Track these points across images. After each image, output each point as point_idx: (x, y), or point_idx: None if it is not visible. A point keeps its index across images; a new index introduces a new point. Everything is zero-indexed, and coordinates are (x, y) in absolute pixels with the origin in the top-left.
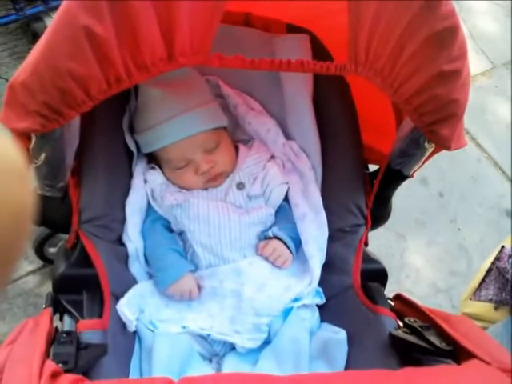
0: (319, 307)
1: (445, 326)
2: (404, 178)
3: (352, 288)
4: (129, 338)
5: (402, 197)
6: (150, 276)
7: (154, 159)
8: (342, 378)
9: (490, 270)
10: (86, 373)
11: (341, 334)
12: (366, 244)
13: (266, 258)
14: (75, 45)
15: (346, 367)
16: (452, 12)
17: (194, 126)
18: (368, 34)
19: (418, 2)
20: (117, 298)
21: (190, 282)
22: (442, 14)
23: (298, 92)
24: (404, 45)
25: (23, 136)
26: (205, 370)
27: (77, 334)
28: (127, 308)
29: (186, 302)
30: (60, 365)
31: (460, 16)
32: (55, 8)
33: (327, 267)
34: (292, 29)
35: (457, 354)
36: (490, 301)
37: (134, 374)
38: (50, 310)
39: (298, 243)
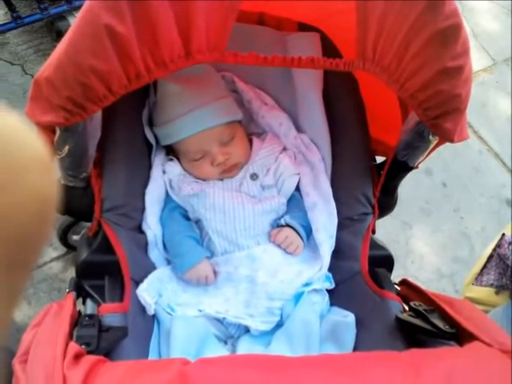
0: (329, 292)
1: (448, 309)
2: (409, 169)
3: (360, 273)
4: (148, 321)
5: (408, 187)
6: (169, 262)
7: (172, 151)
8: (350, 359)
9: (491, 257)
10: (108, 354)
11: (349, 317)
12: (374, 232)
13: (279, 245)
14: (97, 43)
15: (355, 349)
16: (455, 11)
17: (210, 120)
18: (375, 33)
19: (422, 2)
20: (136, 283)
21: (206, 267)
22: (445, 13)
23: (309, 87)
24: (409, 42)
25: (48, 129)
26: (220, 351)
27: (99, 317)
28: (146, 292)
29: (202, 286)
30: (83, 346)
31: (462, 15)
32: (78, 7)
33: (336, 254)
34: (303, 27)
35: (459, 336)
36: (491, 285)
37: (152, 355)
38: (73, 294)
39: (308, 231)
